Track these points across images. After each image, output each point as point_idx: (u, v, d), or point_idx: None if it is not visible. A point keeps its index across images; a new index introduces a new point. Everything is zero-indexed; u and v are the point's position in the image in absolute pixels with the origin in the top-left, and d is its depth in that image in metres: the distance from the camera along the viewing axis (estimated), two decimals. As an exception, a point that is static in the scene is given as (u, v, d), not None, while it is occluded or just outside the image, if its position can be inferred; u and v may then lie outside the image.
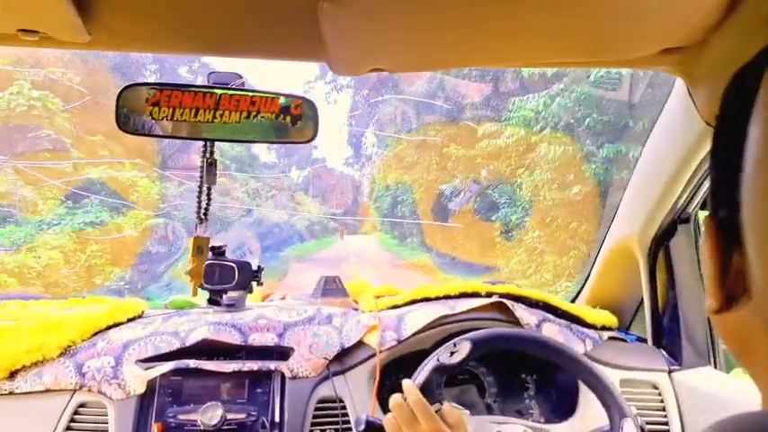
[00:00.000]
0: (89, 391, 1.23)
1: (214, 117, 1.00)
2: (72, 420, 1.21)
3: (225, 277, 1.42)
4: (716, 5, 0.79)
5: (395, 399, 0.98)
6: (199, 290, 1.38)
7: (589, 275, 1.77)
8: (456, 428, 0.95)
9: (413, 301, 1.51)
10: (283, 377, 1.28)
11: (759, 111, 0.38)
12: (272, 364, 1.29)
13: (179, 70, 16.52)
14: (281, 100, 1.04)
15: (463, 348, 1.07)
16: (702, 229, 0.45)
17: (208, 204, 1.20)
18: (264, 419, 1.23)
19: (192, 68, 16.54)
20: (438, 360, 1.06)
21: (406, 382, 1.01)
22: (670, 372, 1.42)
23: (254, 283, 1.47)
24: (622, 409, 1.08)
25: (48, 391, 1.23)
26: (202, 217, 1.21)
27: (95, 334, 1.36)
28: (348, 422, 1.25)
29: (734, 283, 0.43)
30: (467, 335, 1.11)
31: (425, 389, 1.02)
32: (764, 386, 0.43)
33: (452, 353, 1.07)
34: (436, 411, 1.01)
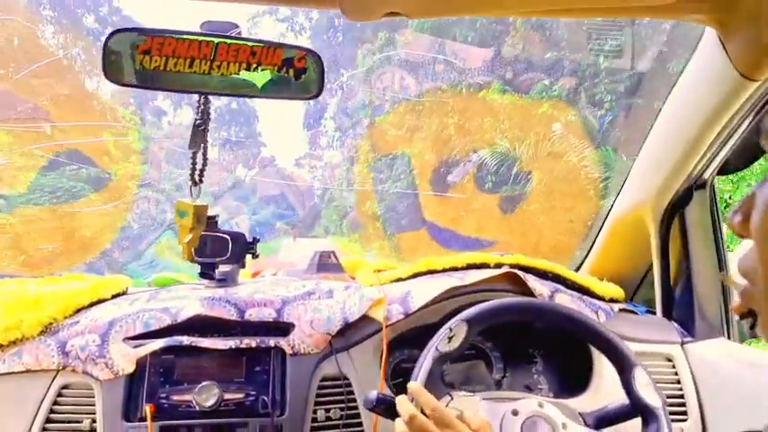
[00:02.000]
0: (73, 371, 1.14)
1: (211, 68, 0.89)
2: (55, 403, 1.12)
3: (218, 249, 1.33)
4: None
5: (407, 409, 0.89)
6: (185, 268, 1.29)
7: (592, 247, 1.71)
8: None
9: (417, 275, 1.44)
10: (284, 354, 1.20)
11: None
12: (271, 341, 1.20)
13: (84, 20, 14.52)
14: (284, 51, 0.94)
15: (460, 331, 1.03)
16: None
17: (204, 166, 1.10)
18: (264, 399, 1.15)
19: (99, 16, 14.49)
20: (437, 349, 1.01)
21: (413, 387, 0.94)
22: (683, 344, 1.37)
23: (248, 257, 1.38)
24: (629, 358, 1.05)
25: (28, 371, 1.14)
26: (196, 179, 1.10)
27: (78, 311, 1.27)
28: (354, 401, 1.18)
29: None
30: (461, 314, 1.05)
31: (430, 382, 0.98)
32: None
33: (450, 338, 1.02)
34: (447, 404, 0.97)
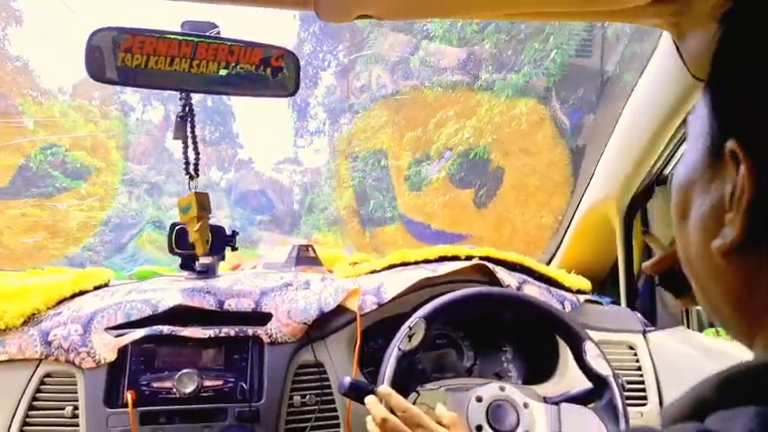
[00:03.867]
0: (56, 360, 1.16)
1: (191, 66, 0.92)
2: (38, 391, 1.14)
3: (198, 242, 1.34)
4: None
5: (378, 411, 0.91)
6: (166, 262, 1.30)
7: (562, 240, 1.76)
8: (454, 428, 0.91)
9: (391, 266, 1.47)
10: (261, 343, 1.23)
11: None
12: (249, 330, 1.23)
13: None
14: (262, 51, 0.96)
15: (419, 329, 1.05)
16: (696, 164, 0.42)
17: (197, 159, 1.11)
18: (243, 385, 1.17)
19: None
20: (399, 349, 1.03)
21: (382, 391, 0.96)
22: (645, 333, 1.42)
23: (227, 249, 1.40)
24: (578, 333, 1.10)
25: (11, 361, 1.15)
26: (192, 173, 1.12)
27: (61, 302, 1.28)
28: (329, 387, 1.22)
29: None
30: (418, 312, 1.08)
31: (396, 382, 1.00)
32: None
33: (410, 336, 1.04)
34: (415, 401, 0.99)
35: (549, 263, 1.79)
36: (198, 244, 1.25)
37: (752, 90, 0.41)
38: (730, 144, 0.41)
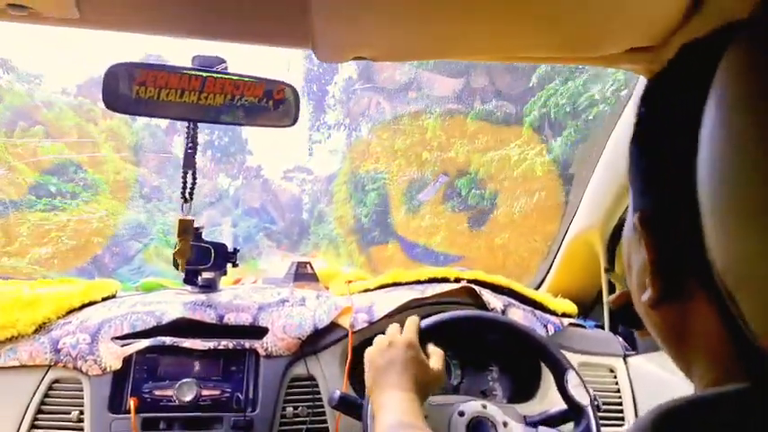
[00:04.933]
0: (64, 367, 1.21)
1: (199, 99, 0.99)
2: (46, 396, 1.19)
3: (201, 258, 1.40)
4: (678, 8, 0.82)
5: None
6: (172, 273, 1.36)
7: (551, 266, 1.80)
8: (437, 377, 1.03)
9: (384, 286, 1.52)
10: (257, 356, 1.28)
11: (718, 94, 0.36)
12: (246, 343, 1.28)
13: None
14: (265, 84, 1.03)
15: None
16: (632, 225, 0.46)
17: (193, 185, 1.18)
18: (239, 396, 1.22)
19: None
20: None
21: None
22: (625, 356, 1.46)
23: (228, 265, 1.46)
24: (561, 362, 1.14)
25: (22, 366, 1.20)
26: (187, 197, 1.19)
27: (70, 312, 1.33)
28: (320, 399, 1.26)
29: (674, 276, 0.44)
30: None
31: None
32: (704, 371, 0.46)
33: None
34: None
35: (539, 286, 1.83)
36: (179, 263, 1.30)
37: (649, 174, 0.46)
38: (635, 219, 0.46)
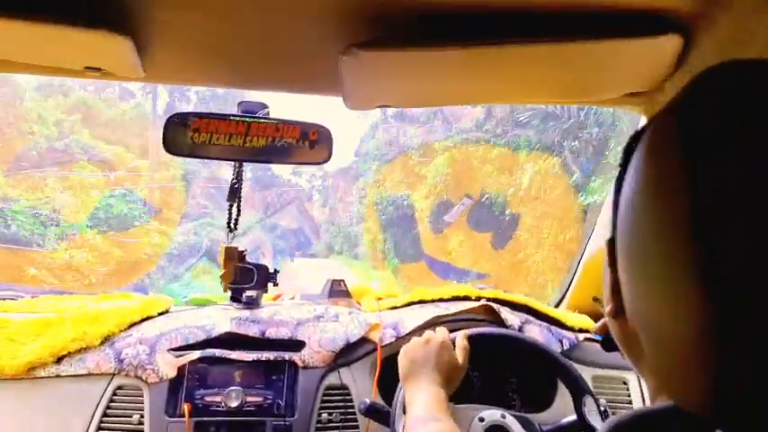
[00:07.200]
0: (126, 375, 1.30)
1: (244, 142, 1.09)
2: (111, 401, 1.28)
3: (245, 278, 1.50)
4: (669, 59, 0.88)
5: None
6: (218, 289, 1.47)
7: (572, 282, 1.82)
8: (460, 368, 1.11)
9: (410, 303, 1.59)
10: (296, 367, 1.36)
11: (634, 163, 0.46)
12: (286, 355, 1.36)
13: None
14: (301, 127, 1.13)
15: None
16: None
17: (237, 216, 1.28)
18: (279, 402, 1.30)
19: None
20: None
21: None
22: None
23: (270, 284, 1.55)
24: (582, 387, 1.18)
25: (89, 374, 1.29)
26: (232, 227, 1.29)
27: (131, 326, 1.42)
28: (352, 407, 1.34)
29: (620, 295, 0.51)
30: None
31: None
32: (648, 378, 0.52)
33: None
34: None
35: (560, 302, 1.86)
36: (223, 284, 1.41)
37: (615, 209, 0.52)
38: (606, 243, 0.53)
